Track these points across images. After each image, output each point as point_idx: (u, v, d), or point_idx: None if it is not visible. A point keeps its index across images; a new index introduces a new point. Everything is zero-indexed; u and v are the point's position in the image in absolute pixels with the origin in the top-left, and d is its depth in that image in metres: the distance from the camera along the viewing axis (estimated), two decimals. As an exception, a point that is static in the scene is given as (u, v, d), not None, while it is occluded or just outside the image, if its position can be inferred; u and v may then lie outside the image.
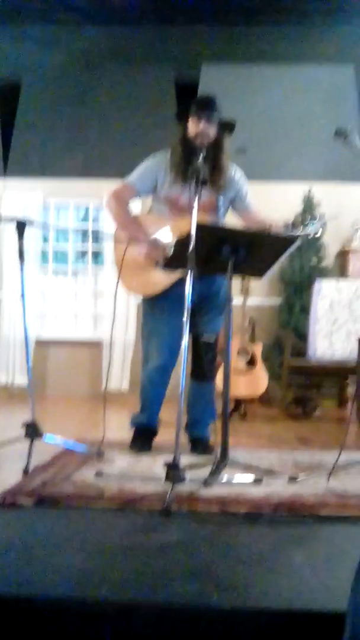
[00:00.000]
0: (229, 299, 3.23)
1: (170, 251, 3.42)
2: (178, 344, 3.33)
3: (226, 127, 3.65)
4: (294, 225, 3.63)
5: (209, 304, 3.68)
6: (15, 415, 3.28)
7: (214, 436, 3.58)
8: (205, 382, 3.81)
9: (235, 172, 3.78)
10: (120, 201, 3.74)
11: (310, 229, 3.63)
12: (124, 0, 6.32)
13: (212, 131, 3.56)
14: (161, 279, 3.63)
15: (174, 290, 3.52)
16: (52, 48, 7.31)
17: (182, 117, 3.66)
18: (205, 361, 3.75)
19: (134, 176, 3.76)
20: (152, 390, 3.80)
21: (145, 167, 3.76)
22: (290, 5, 6.48)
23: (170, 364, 3.73)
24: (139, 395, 3.87)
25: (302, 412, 6.32)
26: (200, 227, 2.90)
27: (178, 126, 3.68)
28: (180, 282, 3.24)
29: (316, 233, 3.64)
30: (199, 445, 3.78)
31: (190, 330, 3.29)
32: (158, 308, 3.73)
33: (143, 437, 3.81)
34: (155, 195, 3.76)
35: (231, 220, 3.86)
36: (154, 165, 3.73)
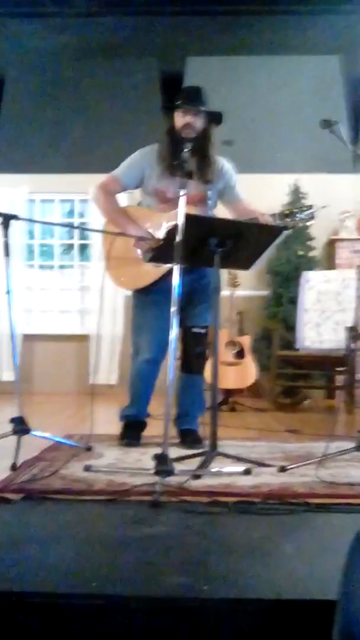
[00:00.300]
0: (216, 291, 3.22)
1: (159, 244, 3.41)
2: (167, 337, 3.24)
3: (213, 118, 3.61)
4: (284, 215, 3.63)
5: (199, 297, 3.66)
6: (3, 410, 3.25)
7: (204, 428, 3.58)
8: (194, 375, 3.80)
9: (223, 164, 3.76)
10: (107, 194, 3.74)
11: (300, 218, 3.62)
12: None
13: (198, 123, 3.54)
14: (150, 272, 3.62)
15: (163, 283, 3.49)
16: (36, 41, 7.26)
17: (168, 109, 3.65)
18: (194, 354, 3.75)
19: (121, 169, 3.75)
20: (141, 383, 3.79)
21: (133, 160, 3.75)
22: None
23: (160, 357, 3.71)
24: (128, 389, 3.86)
25: (291, 403, 6.34)
26: (186, 218, 2.88)
27: (165, 119, 3.67)
28: (170, 275, 3.17)
29: (306, 222, 3.64)
30: (188, 437, 3.76)
31: (180, 323, 3.33)
32: (147, 301, 3.71)
33: (132, 429, 3.80)
34: (144, 188, 3.75)
35: (221, 212, 3.84)
36: (141, 158, 3.73)
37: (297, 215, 3.64)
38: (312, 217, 3.67)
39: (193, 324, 3.69)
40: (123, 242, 3.64)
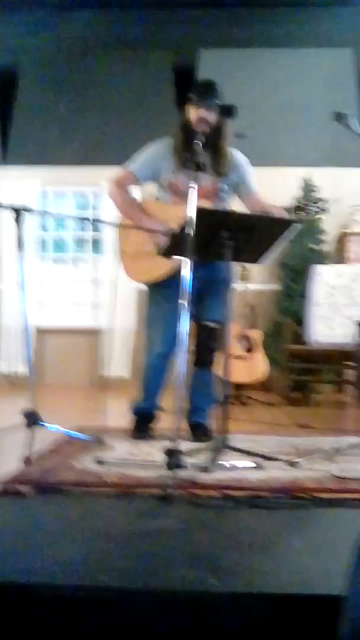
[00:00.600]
0: (229, 284, 3.23)
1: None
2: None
3: (227, 112, 3.60)
4: (298, 209, 3.64)
5: (212, 291, 3.65)
6: (17, 403, 3.27)
7: (214, 422, 3.59)
8: (205, 369, 3.81)
9: (238, 157, 3.78)
10: (121, 188, 3.76)
11: (312, 212, 3.63)
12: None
13: (212, 117, 3.55)
14: (164, 266, 3.62)
15: (177, 277, 3.49)
16: (49, 34, 7.26)
17: (182, 103, 3.66)
18: (207, 348, 3.76)
19: (135, 163, 3.76)
20: (152, 377, 3.81)
21: (147, 153, 3.76)
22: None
23: (171, 351, 3.71)
24: (141, 382, 3.89)
25: (301, 398, 6.34)
26: (197, 211, 2.89)
27: (179, 112, 3.67)
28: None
29: (318, 215, 3.64)
30: (199, 431, 3.77)
31: (194, 318, 3.44)
32: (161, 295, 3.71)
33: (142, 423, 3.82)
34: (158, 182, 3.76)
35: (236, 206, 3.84)
36: (156, 152, 3.74)
37: (310, 208, 3.65)
38: (324, 210, 3.70)
39: (207, 318, 3.70)
40: (137, 236, 3.65)
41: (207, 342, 3.74)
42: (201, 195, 2.97)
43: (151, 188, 3.96)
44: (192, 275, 3.16)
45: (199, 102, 3.53)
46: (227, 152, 3.70)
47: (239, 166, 3.78)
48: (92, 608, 1.60)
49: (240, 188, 3.80)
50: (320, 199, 3.79)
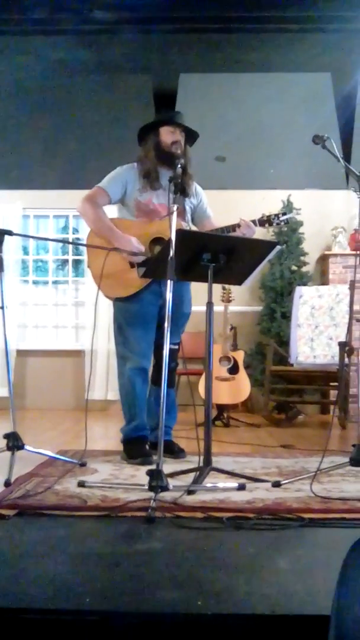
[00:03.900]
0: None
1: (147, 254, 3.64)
2: (151, 346, 3.77)
3: (192, 137, 3.88)
4: (264, 221, 3.72)
5: (173, 313, 3.68)
6: (-3, 426, 3.26)
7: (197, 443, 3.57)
8: (167, 389, 3.83)
9: (195, 184, 3.97)
10: (94, 204, 3.82)
11: (277, 223, 3.76)
12: (102, 10, 6.30)
13: (183, 140, 3.79)
14: (133, 281, 3.71)
15: (146, 293, 3.70)
16: (29, 57, 7.28)
17: (154, 126, 3.85)
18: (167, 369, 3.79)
19: (106, 181, 3.88)
20: (135, 393, 3.79)
21: (116, 173, 3.90)
22: (267, 13, 6.50)
23: (148, 365, 3.84)
24: (122, 403, 3.87)
25: (284, 418, 6.34)
26: (180, 233, 2.91)
27: (144, 143, 3.86)
28: (151, 285, 3.65)
29: (286, 223, 3.83)
30: (173, 448, 3.84)
31: (155, 339, 3.73)
32: (131, 310, 3.78)
33: (140, 445, 3.80)
34: (124, 201, 3.89)
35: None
36: (124, 172, 3.88)
37: (275, 220, 3.78)
38: (287, 222, 3.86)
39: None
40: (110, 254, 3.68)
41: (168, 362, 3.77)
42: (169, 213, 3.02)
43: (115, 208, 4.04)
44: (154, 298, 3.61)
45: (175, 125, 3.76)
46: (191, 174, 3.87)
47: (199, 192, 3.99)
48: (76, 631, 1.58)
49: (199, 211, 3.97)
50: (284, 212, 3.90)
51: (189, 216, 3.92)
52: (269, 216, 3.76)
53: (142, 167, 3.82)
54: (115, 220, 3.87)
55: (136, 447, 3.78)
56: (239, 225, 3.66)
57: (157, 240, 3.71)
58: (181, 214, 3.79)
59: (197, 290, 3.92)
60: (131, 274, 3.70)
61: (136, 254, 3.65)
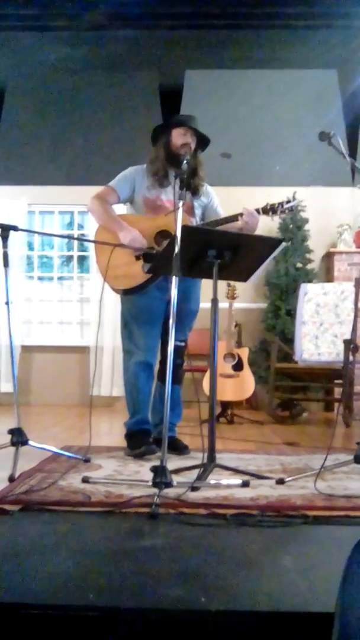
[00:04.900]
0: (214, 302, 3.24)
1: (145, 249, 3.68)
2: (157, 342, 3.81)
3: (203, 142, 3.91)
4: (267, 209, 3.76)
5: (180, 310, 3.69)
6: (1, 422, 3.25)
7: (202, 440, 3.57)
8: (172, 385, 3.83)
9: (206, 185, 4.00)
10: (103, 202, 3.89)
11: (282, 211, 3.76)
12: (107, 6, 6.29)
13: (194, 144, 3.82)
14: (137, 274, 3.73)
15: (151, 287, 3.72)
16: (36, 54, 7.28)
17: (166, 127, 3.90)
18: (173, 364, 3.79)
19: (115, 180, 3.95)
20: (139, 387, 3.81)
21: (125, 173, 3.97)
22: (274, 10, 6.49)
23: (153, 360, 3.85)
24: (126, 398, 3.88)
25: (289, 416, 6.33)
26: (185, 229, 2.90)
27: (156, 144, 3.91)
28: (155, 279, 3.66)
29: (291, 210, 3.83)
30: (177, 445, 3.84)
31: (161, 335, 3.76)
32: (137, 303, 3.82)
33: (143, 436, 3.81)
34: (132, 200, 3.95)
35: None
36: (134, 172, 3.95)
37: (279, 208, 3.77)
38: (292, 210, 3.85)
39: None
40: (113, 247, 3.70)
41: (174, 359, 3.77)
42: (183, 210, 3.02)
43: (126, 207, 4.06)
44: (161, 294, 3.61)
45: (187, 127, 3.80)
46: (203, 176, 3.92)
47: (210, 192, 4.02)
48: (79, 627, 1.58)
49: (209, 211, 3.99)
50: (288, 200, 3.88)
51: (198, 214, 3.94)
52: (272, 204, 3.76)
53: (152, 167, 3.88)
54: (122, 216, 3.91)
55: (138, 439, 3.79)
56: (241, 215, 3.66)
57: (162, 233, 3.72)
58: (189, 210, 3.84)
59: (202, 286, 3.93)
60: (136, 266, 3.72)
61: (139, 249, 3.68)
